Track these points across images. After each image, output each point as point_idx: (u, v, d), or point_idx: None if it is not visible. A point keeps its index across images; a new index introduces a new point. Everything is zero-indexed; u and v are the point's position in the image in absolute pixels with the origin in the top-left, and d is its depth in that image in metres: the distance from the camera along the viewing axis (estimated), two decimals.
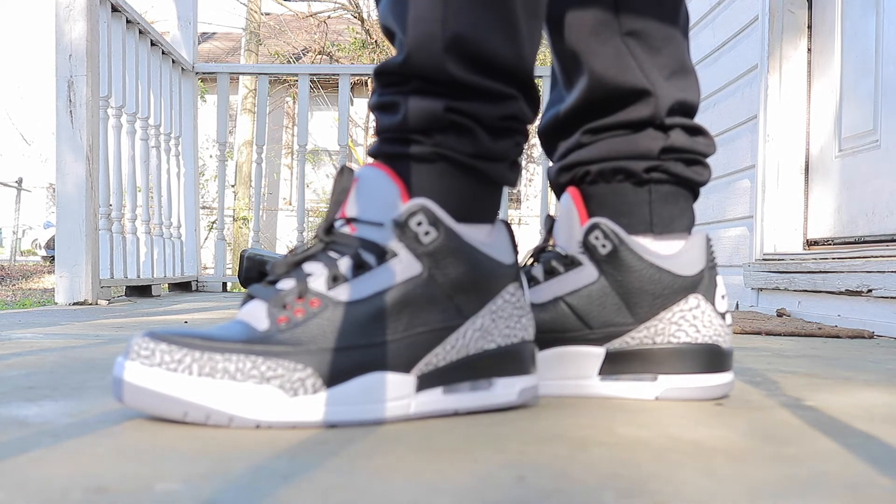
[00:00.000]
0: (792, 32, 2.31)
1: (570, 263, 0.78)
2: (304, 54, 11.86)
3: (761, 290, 2.31)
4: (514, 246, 0.70)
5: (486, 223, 0.68)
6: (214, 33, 14.14)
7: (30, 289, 6.02)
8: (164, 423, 0.60)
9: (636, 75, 0.77)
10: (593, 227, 0.77)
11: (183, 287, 3.27)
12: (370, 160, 0.68)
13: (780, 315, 2.07)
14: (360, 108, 12.06)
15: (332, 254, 0.64)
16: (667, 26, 0.79)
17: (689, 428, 0.63)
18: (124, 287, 2.77)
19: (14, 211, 12.52)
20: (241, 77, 9.65)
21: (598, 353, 0.76)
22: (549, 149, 0.86)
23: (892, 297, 1.65)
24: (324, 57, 11.22)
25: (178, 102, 3.18)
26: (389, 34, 0.69)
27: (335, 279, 0.63)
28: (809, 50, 2.30)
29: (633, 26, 0.77)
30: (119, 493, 0.42)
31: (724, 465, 0.51)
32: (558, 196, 0.84)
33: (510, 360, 0.67)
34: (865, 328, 1.69)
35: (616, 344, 0.76)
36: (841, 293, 1.84)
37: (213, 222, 8.70)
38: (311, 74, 3.29)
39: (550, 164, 0.86)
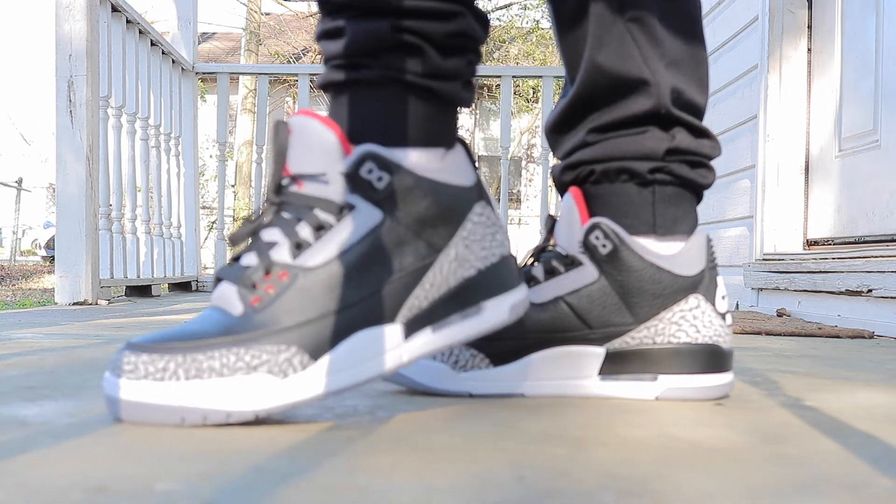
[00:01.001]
0: (792, 32, 2.31)
1: (571, 263, 0.77)
2: (304, 54, 11.86)
3: (761, 290, 2.31)
4: (473, 165, 0.68)
5: (442, 146, 0.66)
6: (214, 33, 14.14)
7: (30, 289, 6.02)
8: (164, 424, 0.60)
9: (636, 64, 0.76)
10: (594, 227, 0.77)
11: (183, 287, 3.27)
12: (305, 117, 0.64)
13: (780, 315, 2.07)
14: None
15: (286, 215, 0.62)
16: (674, 14, 0.78)
17: (689, 428, 0.63)
18: (124, 287, 2.77)
19: (14, 211, 12.53)
20: (241, 77, 9.65)
21: (598, 352, 0.76)
22: (554, 146, 0.85)
23: (892, 297, 1.65)
24: None
25: (178, 102, 3.18)
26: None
27: (298, 246, 0.61)
28: (809, 50, 2.30)
29: (637, 13, 0.76)
30: (119, 493, 0.42)
31: (724, 465, 0.51)
32: (562, 195, 0.84)
33: (494, 280, 0.65)
34: (865, 328, 1.69)
35: (616, 344, 0.76)
36: (841, 293, 1.84)
37: (213, 222, 8.70)
38: (311, 74, 3.29)
39: (552, 162, 0.87)
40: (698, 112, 0.80)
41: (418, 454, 0.52)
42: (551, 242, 0.81)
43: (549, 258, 0.79)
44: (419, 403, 0.71)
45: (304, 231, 0.61)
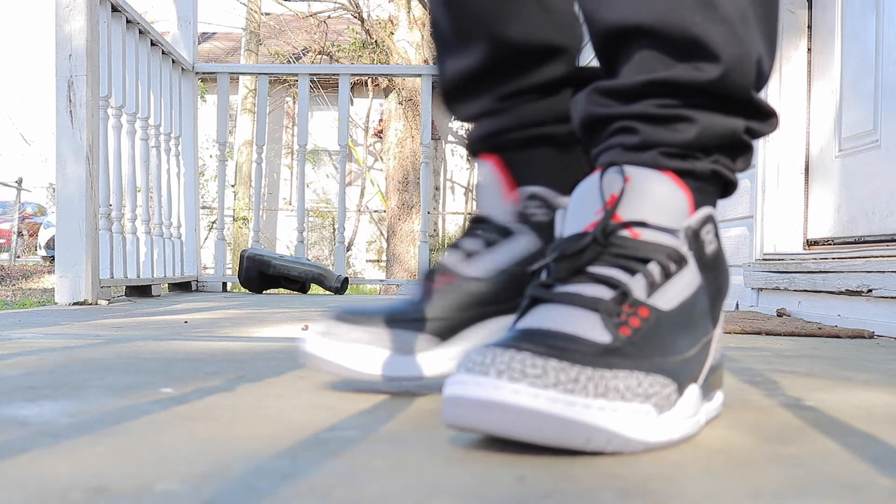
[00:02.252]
0: (792, 32, 2.31)
1: (508, 233, 0.77)
2: (304, 54, 11.85)
3: (761, 290, 2.31)
4: None
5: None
6: (214, 33, 14.14)
7: (30, 289, 6.02)
8: (164, 423, 0.60)
9: (549, 32, 0.76)
10: (532, 196, 0.76)
11: (183, 287, 3.27)
12: (645, 170, 0.63)
13: (780, 315, 2.07)
14: (360, 108, 12.06)
15: (619, 259, 0.61)
16: None
17: None
18: (124, 287, 2.77)
19: (14, 211, 12.52)
20: (240, 77, 9.65)
21: None
22: (452, 109, 0.83)
23: (891, 297, 1.65)
24: (324, 57, 11.21)
25: (178, 102, 3.18)
26: (694, 41, 0.63)
27: (652, 286, 0.60)
28: (809, 50, 2.30)
29: None
30: (119, 493, 0.42)
31: (724, 465, 0.51)
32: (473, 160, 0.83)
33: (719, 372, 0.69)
34: (865, 328, 1.69)
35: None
36: (841, 293, 1.84)
37: (213, 222, 8.69)
38: (311, 74, 3.29)
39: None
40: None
41: (418, 454, 0.52)
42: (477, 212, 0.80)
43: (485, 229, 0.78)
44: (419, 403, 0.71)
45: (656, 273, 0.61)
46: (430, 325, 0.75)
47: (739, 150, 0.68)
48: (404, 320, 0.75)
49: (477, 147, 0.81)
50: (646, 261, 0.60)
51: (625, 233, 0.61)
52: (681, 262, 0.61)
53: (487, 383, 0.51)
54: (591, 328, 0.57)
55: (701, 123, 0.64)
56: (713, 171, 0.66)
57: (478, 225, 0.79)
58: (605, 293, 0.59)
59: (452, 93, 0.82)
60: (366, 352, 0.74)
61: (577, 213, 0.65)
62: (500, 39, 0.77)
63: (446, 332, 0.75)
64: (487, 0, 0.77)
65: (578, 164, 0.76)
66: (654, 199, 0.62)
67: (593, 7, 0.67)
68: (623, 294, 0.59)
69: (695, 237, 0.63)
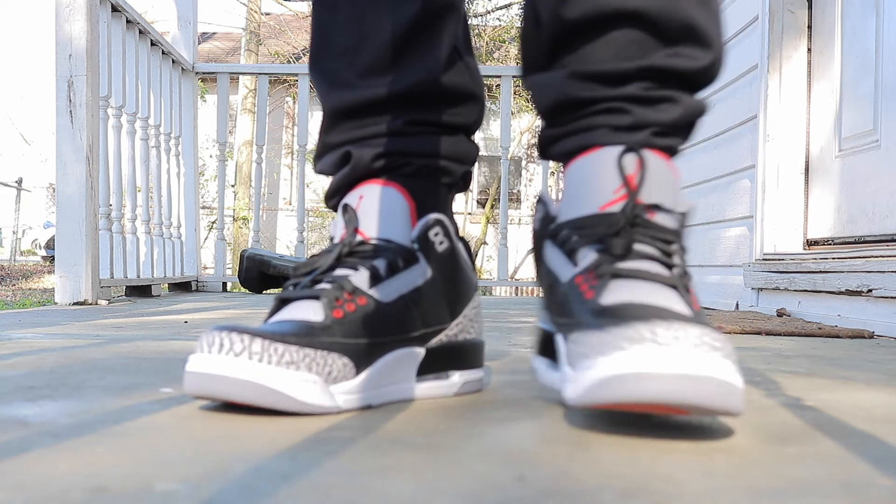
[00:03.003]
0: (792, 32, 2.31)
1: (409, 260, 0.74)
2: (304, 54, 11.85)
3: (761, 290, 2.31)
4: None
5: None
6: (214, 33, 14.15)
7: (30, 289, 6.02)
8: (164, 424, 0.60)
9: (469, 79, 0.80)
10: (436, 222, 0.75)
11: (183, 287, 3.27)
12: (652, 154, 0.69)
13: (780, 315, 2.07)
14: None
15: (648, 238, 0.65)
16: None
17: (689, 428, 0.63)
18: (124, 287, 2.77)
19: (14, 211, 12.53)
20: (241, 77, 9.65)
21: (421, 353, 0.74)
22: (353, 114, 0.79)
23: (891, 297, 1.65)
24: None
25: (178, 102, 3.18)
26: (691, 30, 0.69)
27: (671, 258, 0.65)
28: (809, 50, 2.30)
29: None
30: (119, 493, 0.42)
31: (724, 464, 0.51)
32: (363, 175, 0.78)
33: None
34: (865, 328, 1.69)
35: (433, 342, 0.75)
36: (841, 293, 1.84)
37: (213, 222, 8.70)
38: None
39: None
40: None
41: (418, 454, 0.52)
42: (364, 236, 0.75)
43: (388, 252, 0.74)
44: (419, 403, 0.71)
45: (675, 248, 0.66)
46: (349, 349, 0.68)
47: (694, 128, 0.74)
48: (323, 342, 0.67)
49: (372, 164, 0.77)
50: (669, 242, 0.65)
51: (646, 215, 0.66)
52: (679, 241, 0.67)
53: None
54: (676, 302, 0.62)
55: (684, 104, 0.71)
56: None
57: (380, 247, 0.74)
58: (663, 271, 0.64)
59: (363, 107, 0.79)
60: (301, 378, 0.64)
61: (589, 189, 0.68)
62: (437, 74, 0.79)
63: (362, 359, 0.68)
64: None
65: (449, 205, 0.82)
66: (661, 183, 0.67)
67: None
68: (684, 272, 0.64)
69: (684, 219, 0.68)
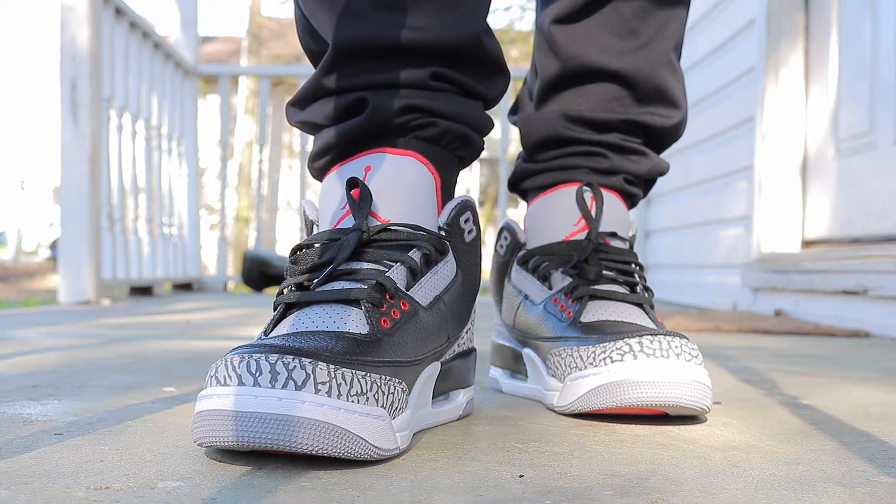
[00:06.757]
0: (789, 35, 2.31)
1: (442, 251, 0.61)
2: (304, 56, 11.82)
3: (759, 290, 2.31)
4: None
5: None
6: (216, 36, 14.14)
7: (33, 289, 6.02)
8: (166, 422, 0.61)
9: (501, 51, 0.70)
10: (467, 205, 0.62)
11: (184, 287, 3.27)
12: (609, 193, 0.79)
13: (777, 315, 2.07)
14: None
15: (617, 264, 0.74)
16: None
17: (688, 426, 0.63)
18: (127, 287, 2.77)
19: (17, 211, 12.53)
20: (242, 79, 9.64)
21: (437, 369, 0.60)
22: (363, 60, 0.63)
23: (888, 297, 1.65)
24: None
25: (181, 104, 3.18)
26: (663, 92, 0.81)
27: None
28: (806, 52, 2.31)
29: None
30: (121, 491, 0.42)
31: (722, 462, 0.52)
32: (383, 137, 0.63)
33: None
34: (862, 328, 1.69)
35: (447, 356, 0.63)
36: (838, 293, 1.84)
37: (215, 224, 8.69)
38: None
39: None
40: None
41: (418, 454, 0.53)
42: (380, 220, 0.60)
43: (421, 242, 0.59)
44: None
45: (634, 268, 0.77)
46: (403, 371, 0.54)
47: (652, 185, 0.83)
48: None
49: (396, 120, 0.63)
50: (628, 262, 0.74)
51: (603, 241, 0.74)
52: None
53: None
54: (644, 318, 0.71)
55: (652, 160, 0.80)
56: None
57: (412, 235, 0.59)
58: (628, 290, 0.73)
59: (376, 48, 0.63)
60: (373, 414, 0.49)
61: (556, 221, 0.77)
62: (485, 32, 0.66)
63: (410, 383, 0.55)
64: None
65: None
66: (614, 213, 0.77)
67: (575, 46, 0.78)
68: (646, 289, 0.73)
69: (633, 240, 0.79)
